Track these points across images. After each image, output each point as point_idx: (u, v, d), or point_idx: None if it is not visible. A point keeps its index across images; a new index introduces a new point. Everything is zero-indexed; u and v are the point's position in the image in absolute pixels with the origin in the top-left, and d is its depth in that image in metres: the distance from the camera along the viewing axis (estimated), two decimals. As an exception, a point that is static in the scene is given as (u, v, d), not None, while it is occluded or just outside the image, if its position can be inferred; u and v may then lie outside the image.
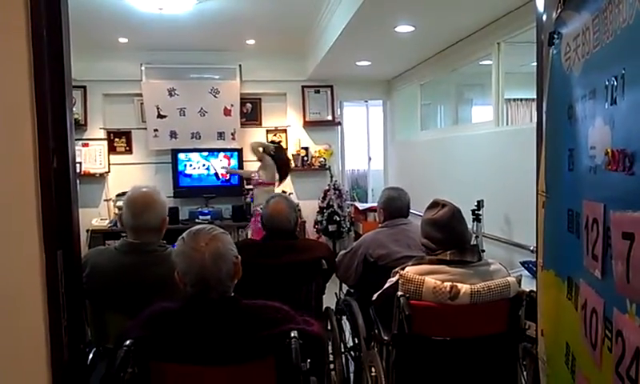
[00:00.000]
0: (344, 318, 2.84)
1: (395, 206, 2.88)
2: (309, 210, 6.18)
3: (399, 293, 1.94)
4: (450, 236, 2.04)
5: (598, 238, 1.01)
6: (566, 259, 1.26)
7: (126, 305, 1.83)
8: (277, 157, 5.20)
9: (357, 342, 2.70)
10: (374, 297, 2.14)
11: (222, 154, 6.17)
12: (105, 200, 6.01)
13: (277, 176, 5.24)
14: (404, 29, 4.06)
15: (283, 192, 5.41)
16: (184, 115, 6.07)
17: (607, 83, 0.96)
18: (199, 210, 5.98)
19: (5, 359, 1.28)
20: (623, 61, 0.90)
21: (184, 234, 1.58)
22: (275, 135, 6.43)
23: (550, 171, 1.41)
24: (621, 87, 0.91)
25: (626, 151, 0.89)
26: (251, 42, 5.67)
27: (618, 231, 0.90)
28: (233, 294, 1.58)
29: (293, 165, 6.35)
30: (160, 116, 6.02)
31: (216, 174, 6.17)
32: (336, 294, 3.13)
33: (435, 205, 2.14)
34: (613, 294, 0.92)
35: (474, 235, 3.61)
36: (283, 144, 6.03)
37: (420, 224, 2.18)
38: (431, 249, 2.08)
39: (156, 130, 6.04)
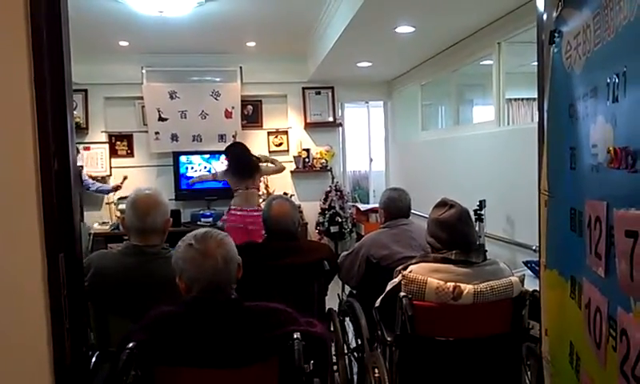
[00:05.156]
0: (347, 319, 2.84)
1: (395, 207, 2.88)
2: (310, 211, 6.19)
3: (402, 293, 1.94)
4: (456, 237, 2.03)
5: (601, 237, 1.00)
6: (568, 258, 1.25)
7: (129, 307, 1.83)
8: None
9: (360, 343, 2.69)
10: (377, 303, 2.13)
11: (223, 157, 6.16)
12: (106, 203, 6.02)
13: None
14: (404, 29, 4.06)
15: (285, 194, 5.41)
16: (185, 118, 6.07)
17: (609, 81, 0.96)
18: (201, 212, 5.98)
19: (7, 362, 1.28)
20: (625, 58, 0.90)
21: (189, 241, 1.56)
22: (276, 137, 6.44)
23: (552, 170, 1.41)
24: (622, 85, 0.90)
25: (628, 149, 0.88)
26: (251, 44, 5.67)
27: (622, 229, 0.90)
28: (234, 296, 1.58)
29: (294, 167, 6.37)
30: (161, 119, 6.03)
31: (217, 176, 6.18)
32: (338, 295, 3.12)
33: (443, 204, 2.12)
34: (617, 293, 0.92)
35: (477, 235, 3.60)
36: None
37: (427, 222, 2.17)
38: (436, 248, 2.08)
39: (157, 133, 6.04)
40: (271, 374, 1.49)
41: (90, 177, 5.71)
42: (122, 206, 5.12)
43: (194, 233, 1.60)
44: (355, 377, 2.80)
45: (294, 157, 6.38)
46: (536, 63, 1.56)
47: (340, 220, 5.97)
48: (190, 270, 1.53)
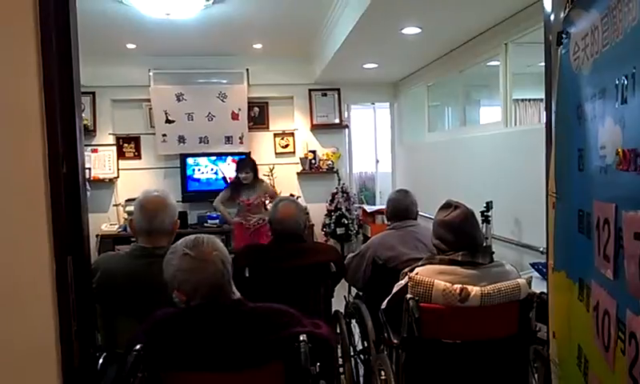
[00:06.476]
0: (353, 321, 2.83)
1: (395, 208, 2.87)
2: (317, 213, 6.18)
3: (408, 295, 1.93)
4: (462, 238, 2.02)
5: (610, 239, 1.00)
6: (577, 260, 1.25)
7: (136, 309, 1.83)
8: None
9: (366, 345, 2.68)
10: (384, 305, 2.13)
11: (229, 158, 6.19)
12: (114, 205, 6.05)
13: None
14: (410, 31, 4.05)
15: (291, 195, 5.42)
16: (192, 120, 6.10)
17: (617, 82, 0.95)
18: (208, 214, 5.99)
19: (16, 365, 1.28)
20: (634, 60, 0.89)
21: (183, 250, 1.54)
22: (283, 138, 6.45)
23: (559, 172, 1.40)
24: (631, 86, 0.90)
25: (637, 151, 0.87)
26: (258, 46, 5.69)
27: (630, 232, 0.89)
28: (236, 296, 1.57)
29: (301, 168, 6.37)
30: (168, 121, 6.06)
31: (224, 178, 6.18)
32: (345, 297, 3.12)
33: (448, 206, 2.11)
34: (625, 295, 0.91)
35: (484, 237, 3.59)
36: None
37: (432, 224, 2.17)
38: (442, 250, 2.07)
39: (164, 135, 6.07)
40: (277, 376, 1.48)
41: (97, 179, 5.75)
42: (130, 208, 5.15)
43: (183, 242, 1.56)
44: (361, 379, 2.79)
45: (301, 158, 6.39)
46: (543, 64, 1.55)
47: (346, 222, 5.96)
48: (191, 280, 1.51)
